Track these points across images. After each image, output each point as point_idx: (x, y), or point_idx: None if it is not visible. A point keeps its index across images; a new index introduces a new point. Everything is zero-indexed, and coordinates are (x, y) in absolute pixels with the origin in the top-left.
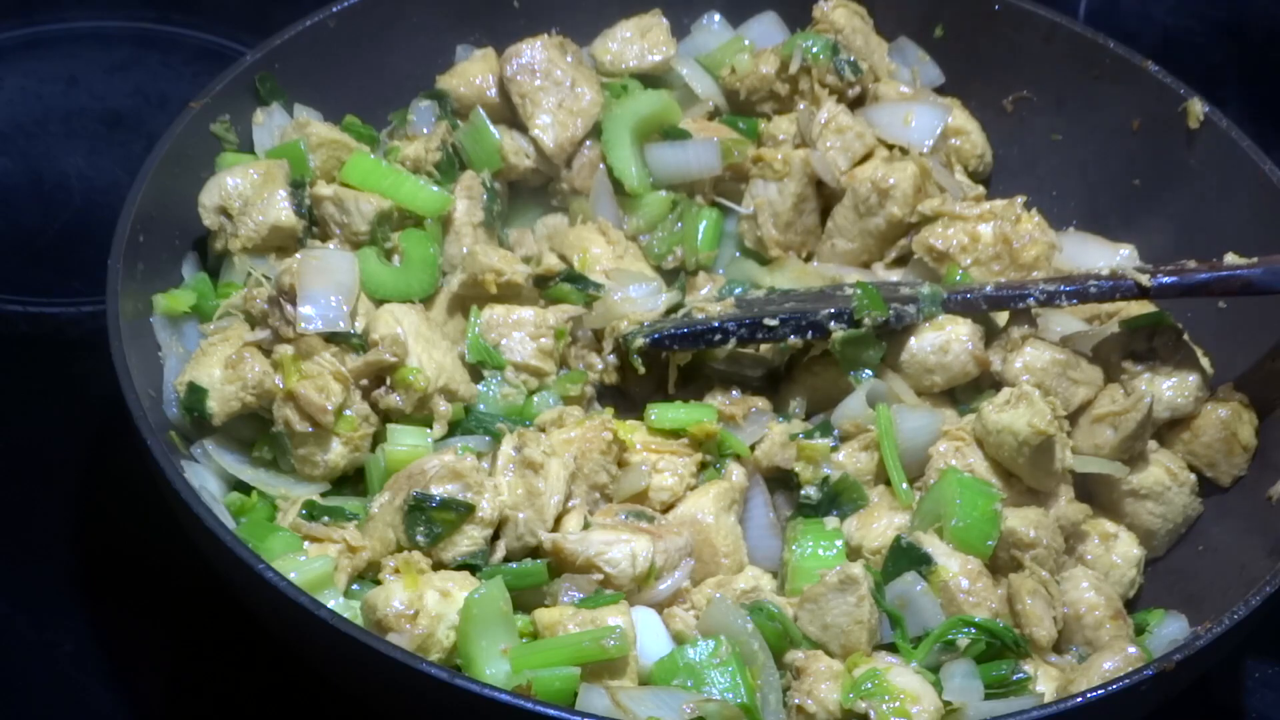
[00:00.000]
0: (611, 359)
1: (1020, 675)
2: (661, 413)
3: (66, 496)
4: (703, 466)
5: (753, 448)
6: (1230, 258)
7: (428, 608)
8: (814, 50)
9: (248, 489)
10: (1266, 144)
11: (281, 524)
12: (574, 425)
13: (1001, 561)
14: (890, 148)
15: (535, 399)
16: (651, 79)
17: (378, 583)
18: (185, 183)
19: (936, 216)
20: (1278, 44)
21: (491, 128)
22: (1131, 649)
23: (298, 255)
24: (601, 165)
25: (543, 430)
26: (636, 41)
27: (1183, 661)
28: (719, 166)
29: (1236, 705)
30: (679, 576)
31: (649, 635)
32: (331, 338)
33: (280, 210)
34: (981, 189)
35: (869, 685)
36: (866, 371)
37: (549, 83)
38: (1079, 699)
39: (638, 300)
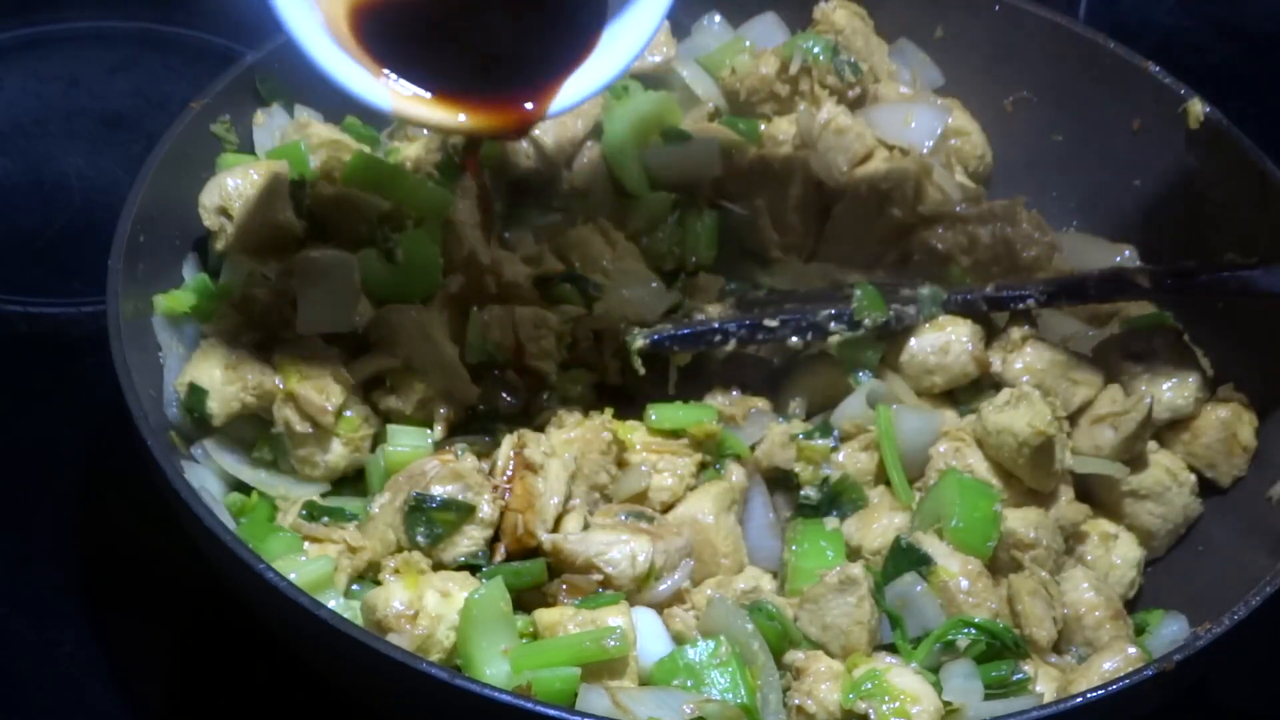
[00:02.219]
0: (612, 360)
1: (1020, 676)
2: (661, 413)
3: (66, 497)
4: (703, 466)
5: (753, 448)
6: (1230, 258)
7: (428, 608)
8: (814, 51)
9: (248, 489)
10: (1266, 144)
11: (282, 524)
12: (574, 425)
13: (1001, 562)
14: (890, 149)
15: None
16: (652, 80)
17: (378, 583)
18: (185, 183)
19: (936, 217)
20: (1278, 44)
21: None
22: (1131, 649)
23: (298, 256)
24: (601, 165)
25: (543, 430)
26: None
27: (1183, 661)
28: (719, 167)
29: (1236, 705)
30: (679, 577)
31: (649, 635)
32: (332, 338)
33: (280, 211)
34: (981, 189)
35: (869, 686)
36: (866, 372)
37: None
38: (1079, 699)
39: (638, 300)
